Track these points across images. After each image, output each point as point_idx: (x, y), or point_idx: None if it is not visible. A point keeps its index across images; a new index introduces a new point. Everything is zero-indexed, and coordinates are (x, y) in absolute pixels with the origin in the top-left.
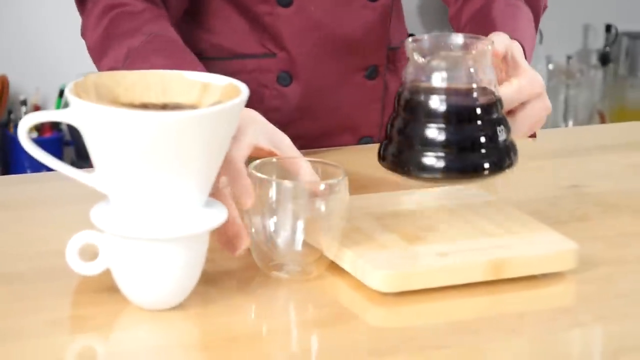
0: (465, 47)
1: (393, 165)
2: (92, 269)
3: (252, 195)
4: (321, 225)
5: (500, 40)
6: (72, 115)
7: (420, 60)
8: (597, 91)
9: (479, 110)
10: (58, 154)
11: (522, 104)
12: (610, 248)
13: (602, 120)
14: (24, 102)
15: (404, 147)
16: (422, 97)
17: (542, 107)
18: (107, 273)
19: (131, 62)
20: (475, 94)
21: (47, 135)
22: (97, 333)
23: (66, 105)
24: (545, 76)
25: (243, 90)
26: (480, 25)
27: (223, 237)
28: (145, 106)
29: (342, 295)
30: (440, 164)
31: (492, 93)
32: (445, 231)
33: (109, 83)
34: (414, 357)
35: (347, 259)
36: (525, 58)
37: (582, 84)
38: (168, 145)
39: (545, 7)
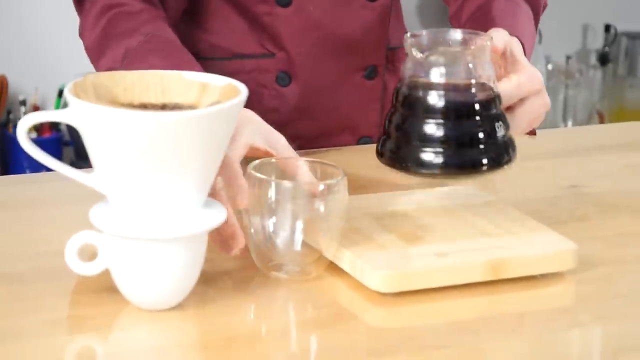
0: (464, 42)
1: (391, 161)
2: (91, 269)
3: (247, 196)
4: (320, 225)
5: (499, 36)
6: (71, 115)
7: (419, 55)
8: (596, 91)
9: (477, 106)
10: (57, 154)
11: (521, 100)
12: (609, 248)
13: (601, 120)
14: (23, 102)
15: (402, 142)
16: (420, 93)
17: (541, 103)
18: (106, 273)
19: (129, 62)
20: (473, 90)
21: (46, 135)
22: (96, 333)
23: (65, 105)
24: (545, 76)
25: (242, 91)
26: (480, 22)
27: (218, 237)
28: (144, 106)
29: (341, 295)
30: (439, 159)
31: (491, 89)
32: (444, 231)
33: (108, 83)
34: (413, 357)
35: (346, 259)
36: (525, 55)
37: (581, 84)
38: (167, 145)
39: (545, 5)
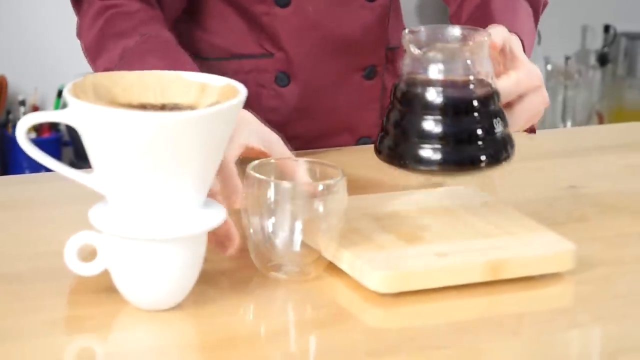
0: (462, 38)
1: (389, 158)
2: (90, 269)
3: (241, 195)
4: (319, 225)
5: (498, 33)
6: (71, 115)
7: (417, 51)
8: (596, 92)
9: (475, 103)
10: (56, 155)
11: (520, 97)
12: (608, 249)
13: (601, 120)
14: (22, 103)
15: (401, 139)
16: (418, 89)
17: (540, 100)
18: (105, 273)
19: (125, 62)
20: (472, 86)
21: (46, 135)
22: (95, 333)
23: (65, 105)
24: (544, 77)
25: (241, 91)
26: (480, 20)
27: (213, 237)
28: (143, 107)
29: (340, 295)
30: (437, 156)
31: (489, 85)
32: (444, 232)
33: (107, 83)
34: (413, 357)
35: (345, 260)
36: (525, 52)
37: (580, 84)
38: (166, 145)
39: (545, 4)
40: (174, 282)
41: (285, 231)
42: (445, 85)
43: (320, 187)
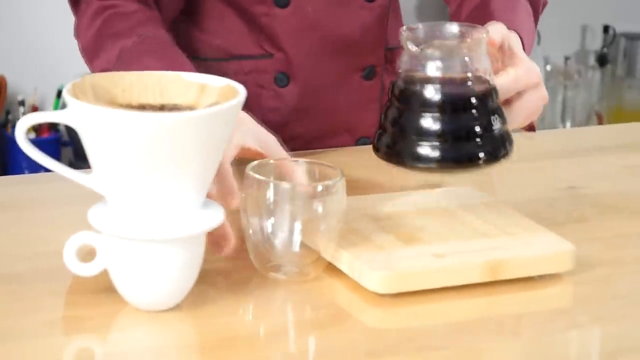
0: (461, 35)
1: (387, 155)
2: (89, 269)
3: (237, 196)
4: (318, 226)
5: (496, 30)
6: (70, 116)
7: (414, 49)
8: (595, 92)
9: (473, 100)
10: (56, 155)
11: (519, 94)
12: (608, 249)
13: (600, 121)
14: (22, 103)
15: (399, 137)
16: (416, 87)
17: (538, 97)
18: (104, 274)
19: (123, 63)
20: (470, 83)
21: (45, 135)
22: (95, 334)
23: (64, 106)
24: (543, 77)
25: (240, 92)
26: (479, 18)
27: (209, 238)
28: (142, 107)
29: (339, 296)
30: (435, 153)
31: (487, 82)
32: (442, 232)
33: (107, 84)
34: (412, 358)
35: (344, 260)
36: (524, 50)
37: (579, 85)
38: (165, 146)
39: (545, 3)
40: (173, 282)
41: (284, 232)
42: (443, 82)
43: (320, 188)
